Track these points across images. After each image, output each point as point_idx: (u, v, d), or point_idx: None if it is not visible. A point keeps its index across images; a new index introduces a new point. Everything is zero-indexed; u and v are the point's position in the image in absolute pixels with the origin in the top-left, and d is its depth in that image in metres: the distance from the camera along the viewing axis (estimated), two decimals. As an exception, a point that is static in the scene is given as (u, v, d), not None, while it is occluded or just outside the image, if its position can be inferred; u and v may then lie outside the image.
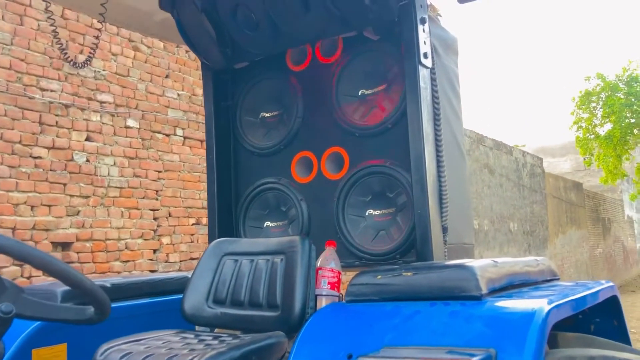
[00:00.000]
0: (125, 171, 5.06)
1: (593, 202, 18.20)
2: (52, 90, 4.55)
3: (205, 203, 2.65)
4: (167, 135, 5.51)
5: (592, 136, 18.25)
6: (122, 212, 4.99)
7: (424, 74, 2.20)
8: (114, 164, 4.97)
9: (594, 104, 18.30)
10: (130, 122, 5.17)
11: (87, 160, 4.75)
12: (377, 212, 2.41)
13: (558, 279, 2.08)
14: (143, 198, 5.19)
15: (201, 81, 2.89)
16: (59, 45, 3.65)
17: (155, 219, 5.29)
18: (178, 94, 5.64)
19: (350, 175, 2.45)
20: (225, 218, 2.71)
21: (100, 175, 4.83)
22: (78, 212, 4.64)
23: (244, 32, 2.49)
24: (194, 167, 5.73)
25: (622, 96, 17.56)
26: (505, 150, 11.89)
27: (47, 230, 4.41)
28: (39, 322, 1.80)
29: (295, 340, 1.52)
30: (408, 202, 2.29)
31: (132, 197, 5.09)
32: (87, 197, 4.72)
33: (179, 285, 2.35)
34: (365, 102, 2.49)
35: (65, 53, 4.46)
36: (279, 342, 1.81)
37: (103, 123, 4.92)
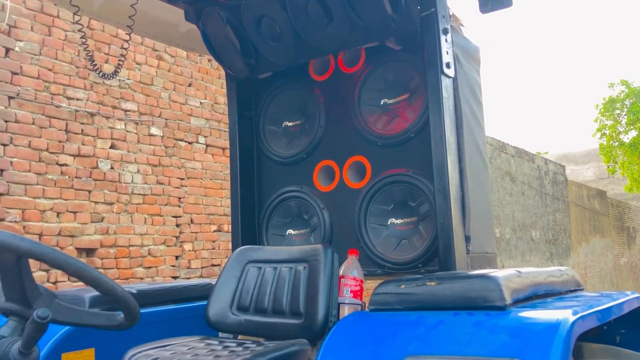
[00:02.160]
0: (148, 178, 5.13)
1: (617, 210, 17.91)
2: (78, 99, 4.65)
3: (227, 210, 2.68)
4: (190, 143, 5.57)
5: (617, 143, 17.99)
6: (145, 218, 5.06)
7: (446, 84, 2.20)
8: (138, 171, 5.05)
9: (618, 111, 18.06)
10: (154, 130, 5.24)
11: (112, 168, 4.84)
12: (399, 221, 2.41)
13: (582, 290, 2.06)
14: (166, 205, 5.26)
15: (223, 89, 2.92)
16: (89, 57, 3.72)
17: (177, 225, 5.36)
18: (201, 102, 5.71)
19: (372, 184, 2.46)
20: (248, 226, 2.74)
21: (124, 183, 4.91)
22: (102, 219, 4.72)
23: (267, 43, 2.52)
24: (216, 174, 5.78)
25: (646, 103, 17.31)
26: (527, 158, 11.78)
27: (72, 236, 4.49)
28: (68, 327, 1.84)
29: (320, 348, 1.54)
30: (430, 211, 2.30)
31: (155, 204, 5.16)
32: (111, 203, 4.80)
33: (203, 292, 2.39)
34: (388, 111, 2.50)
35: (95, 64, 4.56)
36: (303, 349, 1.83)
37: (127, 131, 5.00)
